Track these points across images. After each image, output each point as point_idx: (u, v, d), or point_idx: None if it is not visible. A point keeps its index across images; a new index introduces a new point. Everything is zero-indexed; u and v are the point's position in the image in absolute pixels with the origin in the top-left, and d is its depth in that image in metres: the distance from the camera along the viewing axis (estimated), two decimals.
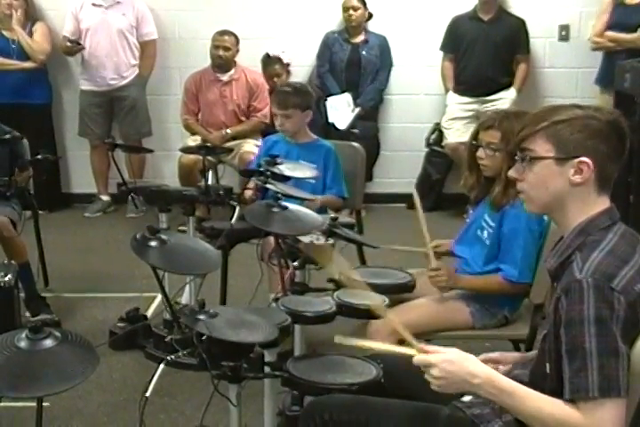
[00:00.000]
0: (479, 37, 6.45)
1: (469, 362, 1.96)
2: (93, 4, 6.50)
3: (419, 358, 1.97)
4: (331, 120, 6.56)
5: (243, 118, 6.46)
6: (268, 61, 6.58)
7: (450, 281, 3.18)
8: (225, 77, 6.42)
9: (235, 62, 6.46)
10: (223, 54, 6.36)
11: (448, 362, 1.93)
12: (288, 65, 6.64)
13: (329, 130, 6.49)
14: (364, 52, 6.67)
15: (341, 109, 6.58)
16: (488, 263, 3.22)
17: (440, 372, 1.93)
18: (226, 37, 6.38)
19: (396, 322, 2.08)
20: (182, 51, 6.89)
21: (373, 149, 6.72)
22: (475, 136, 3.24)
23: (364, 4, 6.61)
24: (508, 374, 2.11)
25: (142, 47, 6.69)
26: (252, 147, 6.07)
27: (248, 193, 4.05)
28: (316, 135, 4.51)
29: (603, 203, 2.02)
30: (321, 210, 3.87)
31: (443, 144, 6.70)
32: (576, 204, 2.01)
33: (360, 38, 6.70)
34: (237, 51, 6.45)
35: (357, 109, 6.59)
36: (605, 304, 1.83)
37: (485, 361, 2.10)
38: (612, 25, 5.90)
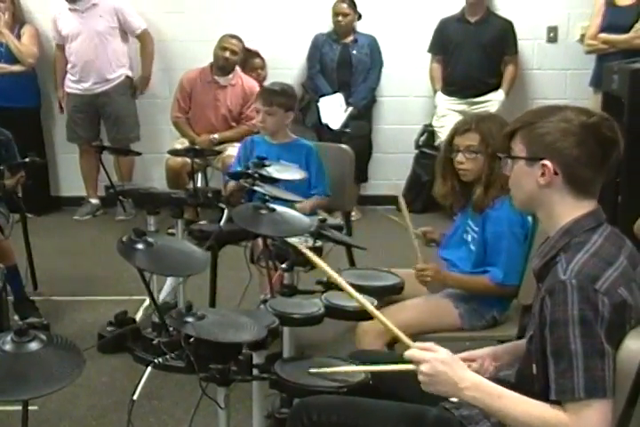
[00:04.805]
0: (466, 39, 6.47)
1: (459, 366, 1.96)
2: (70, 10, 6.47)
3: (412, 352, 1.97)
4: (324, 121, 6.56)
5: (233, 124, 6.45)
6: (248, 55, 6.58)
7: (436, 278, 3.17)
8: (222, 81, 6.40)
9: (234, 68, 6.45)
10: (230, 57, 6.33)
11: (440, 361, 1.93)
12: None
13: (322, 130, 6.50)
14: (354, 52, 6.66)
15: (334, 109, 6.58)
16: (477, 267, 3.22)
17: (430, 369, 1.92)
18: (234, 41, 6.37)
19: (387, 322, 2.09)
20: (171, 53, 6.88)
21: (366, 148, 6.74)
22: (450, 142, 3.20)
23: (354, 9, 6.61)
24: (495, 375, 2.11)
25: (139, 40, 6.69)
26: (234, 151, 6.04)
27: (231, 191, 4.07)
28: (309, 136, 4.51)
29: (587, 205, 2.01)
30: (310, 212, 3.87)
31: (436, 144, 6.67)
32: (554, 205, 2.01)
33: (349, 39, 6.70)
34: (241, 57, 6.45)
35: (350, 109, 6.59)
36: (589, 306, 1.83)
37: (467, 359, 2.12)
38: (604, 27, 5.93)
